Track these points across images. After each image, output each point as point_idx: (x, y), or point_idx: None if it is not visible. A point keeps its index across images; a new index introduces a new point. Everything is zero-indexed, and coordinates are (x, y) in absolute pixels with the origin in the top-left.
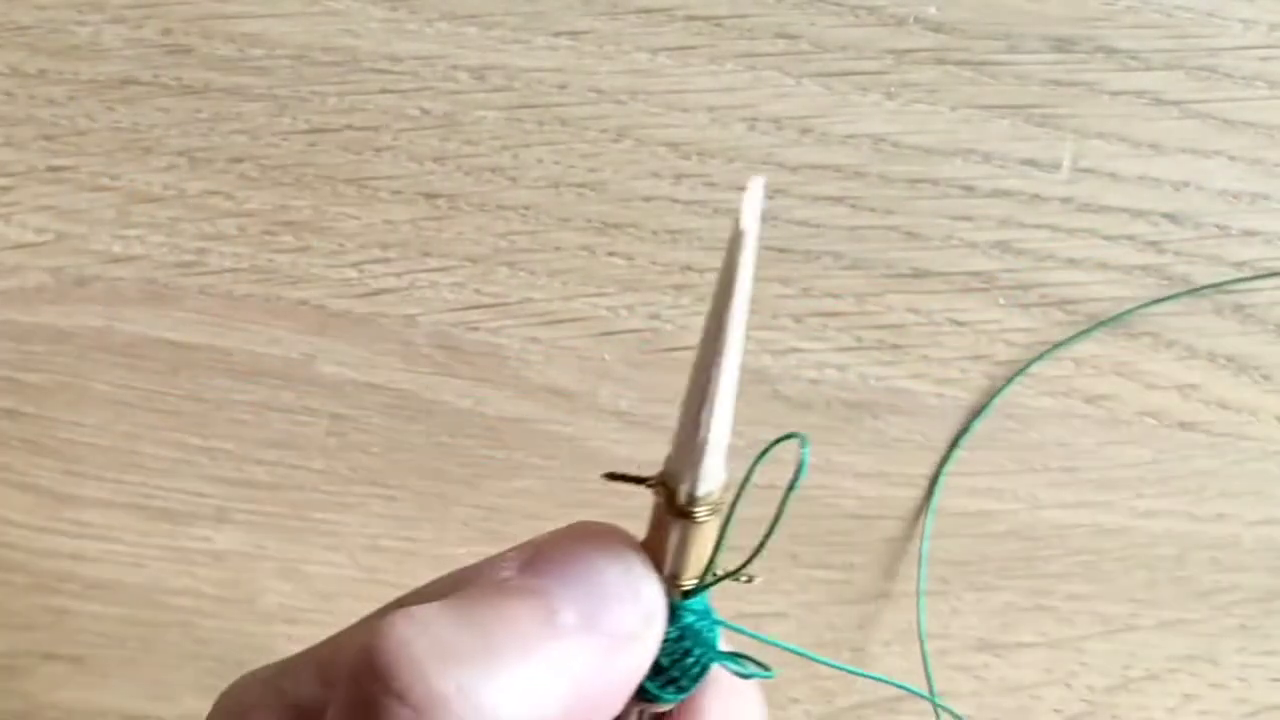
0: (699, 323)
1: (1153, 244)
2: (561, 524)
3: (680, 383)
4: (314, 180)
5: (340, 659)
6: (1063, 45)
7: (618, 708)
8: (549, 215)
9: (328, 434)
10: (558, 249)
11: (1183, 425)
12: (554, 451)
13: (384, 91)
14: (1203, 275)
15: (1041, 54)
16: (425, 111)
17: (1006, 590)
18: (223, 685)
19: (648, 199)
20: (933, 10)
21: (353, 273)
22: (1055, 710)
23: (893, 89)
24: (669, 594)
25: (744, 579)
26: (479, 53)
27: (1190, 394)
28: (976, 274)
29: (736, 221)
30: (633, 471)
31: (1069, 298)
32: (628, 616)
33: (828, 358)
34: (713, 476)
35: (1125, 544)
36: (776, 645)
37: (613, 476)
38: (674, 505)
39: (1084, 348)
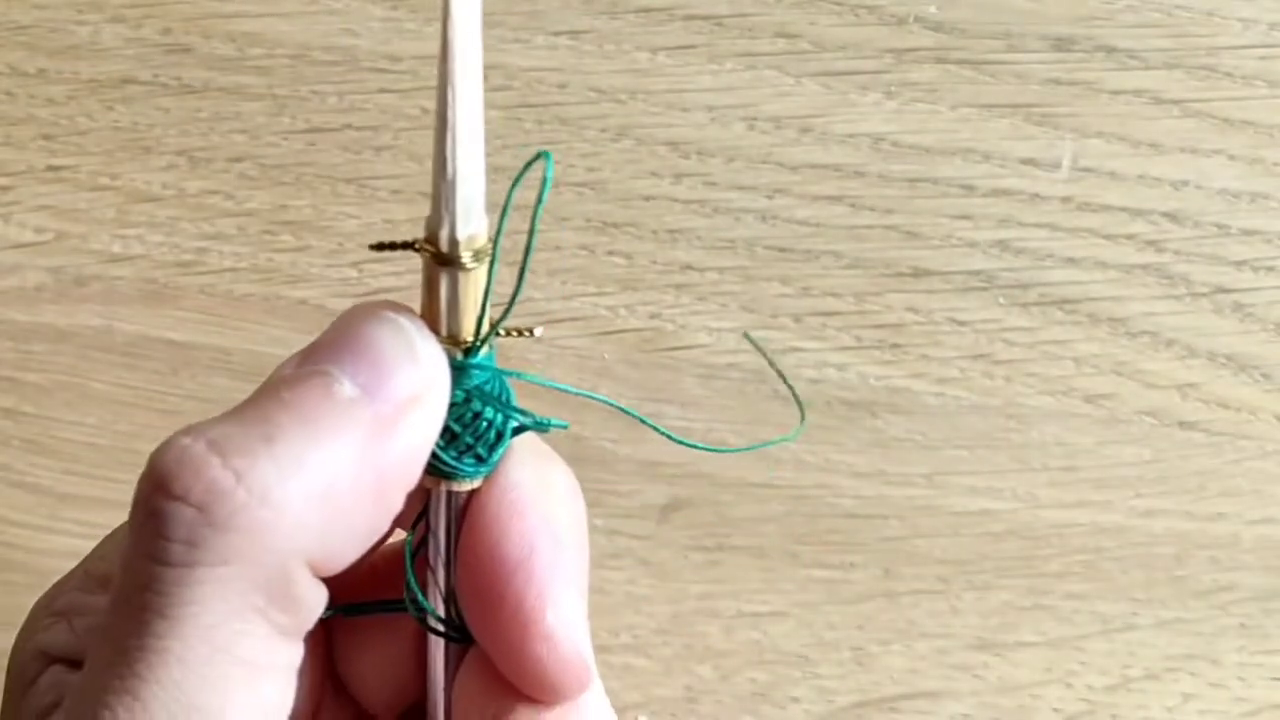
0: (699, 321)
1: (1152, 243)
2: None
3: (681, 381)
4: (313, 180)
5: None
6: (1062, 44)
7: (412, 477)
8: (548, 214)
9: None
10: (557, 248)
11: (1182, 424)
12: (554, 450)
13: (383, 91)
14: (1202, 274)
15: (1041, 53)
16: (425, 111)
17: (1005, 589)
18: None
19: (647, 198)
20: (932, 9)
21: (352, 272)
22: (1055, 709)
23: (892, 88)
24: (450, 354)
25: (526, 334)
26: None
27: (1189, 393)
28: (976, 273)
29: None
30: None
31: (1068, 297)
32: (407, 379)
33: (827, 357)
34: (472, 218)
35: (1124, 543)
36: (593, 398)
37: (377, 246)
38: (439, 254)
39: (1086, 346)
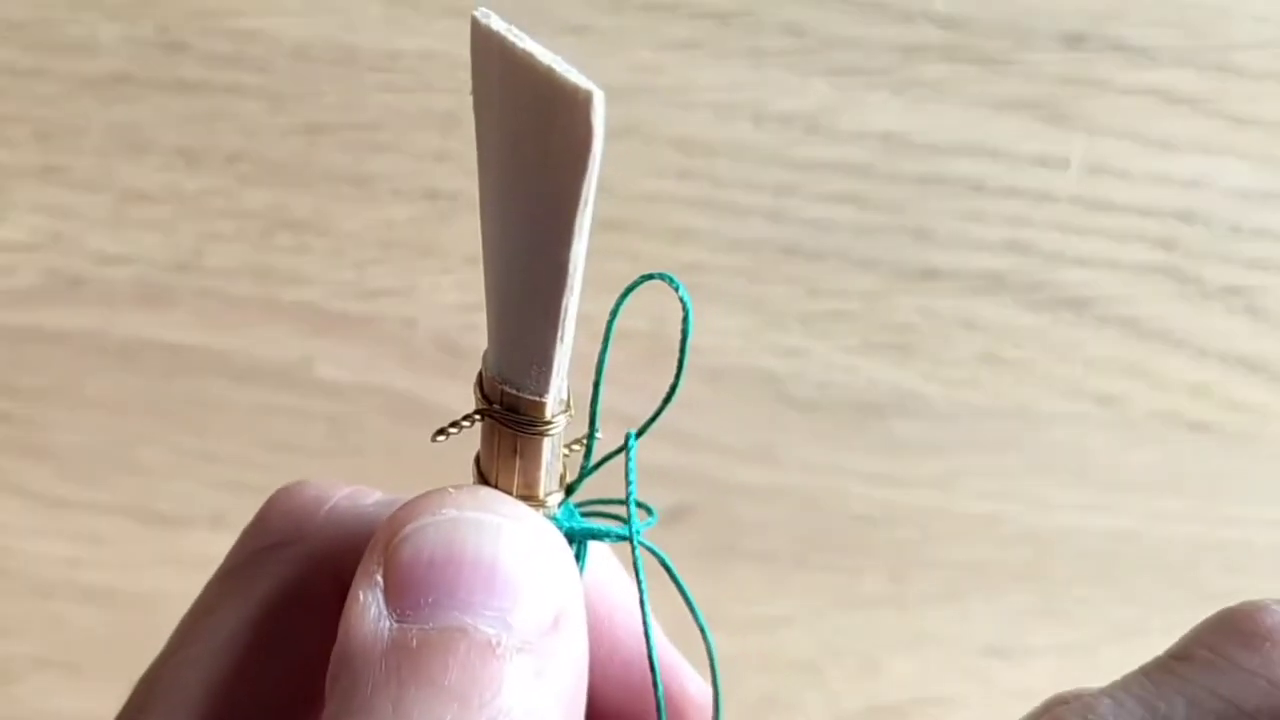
0: (705, 323)
1: (1163, 243)
2: None
3: (686, 384)
4: (312, 179)
5: None
6: (1073, 42)
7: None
8: None
9: (327, 436)
10: None
11: (1193, 426)
12: None
13: (384, 89)
14: (1214, 275)
15: (1052, 51)
16: (426, 109)
17: (1016, 594)
18: None
19: (652, 197)
20: (941, 6)
21: (352, 273)
22: None
23: (901, 86)
24: (549, 515)
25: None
26: None
27: (1201, 395)
28: (986, 274)
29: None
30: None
31: (1079, 297)
32: (552, 600)
33: (836, 359)
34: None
35: (1136, 547)
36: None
37: (443, 432)
38: (543, 423)
39: (1097, 346)
